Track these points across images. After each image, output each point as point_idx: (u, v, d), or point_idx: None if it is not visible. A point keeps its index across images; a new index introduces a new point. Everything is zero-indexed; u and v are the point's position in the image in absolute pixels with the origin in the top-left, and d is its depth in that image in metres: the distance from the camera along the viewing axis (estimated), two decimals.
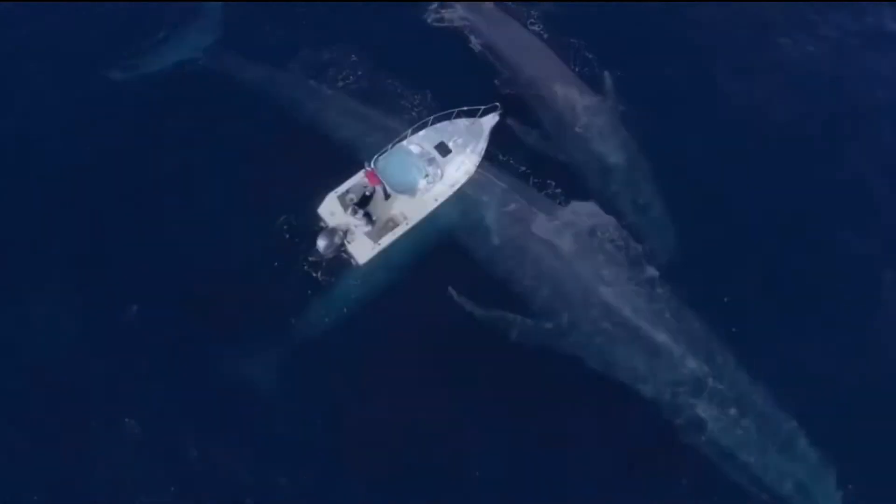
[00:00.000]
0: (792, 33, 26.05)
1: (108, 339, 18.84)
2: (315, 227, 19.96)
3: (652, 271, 20.07)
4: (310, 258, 19.63)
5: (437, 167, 20.16)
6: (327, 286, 19.47)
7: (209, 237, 20.14)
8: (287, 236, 20.02)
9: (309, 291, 19.36)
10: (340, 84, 22.73)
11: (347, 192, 20.44)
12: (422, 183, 19.62)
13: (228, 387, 18.29)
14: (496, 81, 22.90)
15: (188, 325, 18.93)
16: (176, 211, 20.64)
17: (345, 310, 19.20)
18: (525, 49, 23.88)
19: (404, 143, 20.11)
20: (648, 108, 23.02)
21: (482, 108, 20.72)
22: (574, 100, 22.65)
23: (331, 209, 20.14)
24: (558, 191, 21.27)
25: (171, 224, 20.45)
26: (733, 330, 19.47)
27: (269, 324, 19.02)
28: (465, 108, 20.71)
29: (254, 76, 22.74)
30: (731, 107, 23.87)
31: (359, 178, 20.48)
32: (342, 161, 20.73)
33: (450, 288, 19.50)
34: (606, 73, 23.54)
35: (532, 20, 24.82)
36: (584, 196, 21.21)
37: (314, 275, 19.52)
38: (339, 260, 19.79)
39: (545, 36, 24.44)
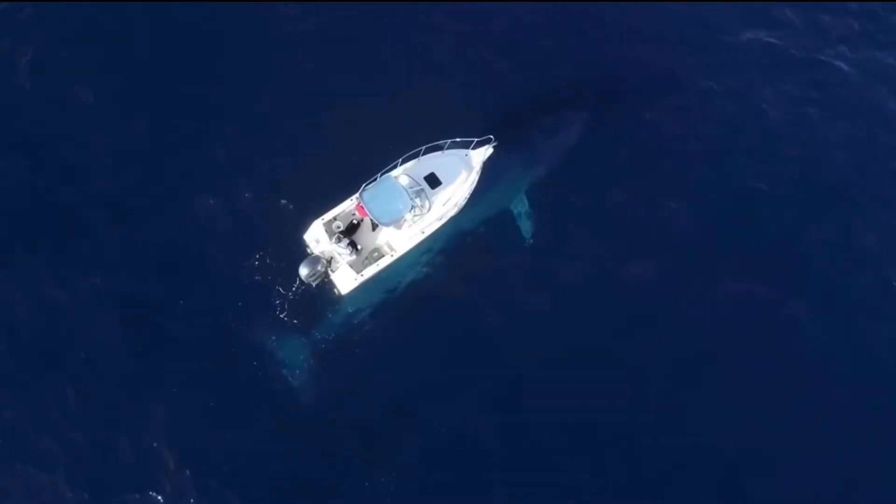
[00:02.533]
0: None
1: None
2: (300, 253, 19.77)
3: None
4: (287, 291, 19.57)
5: (425, 199, 19.75)
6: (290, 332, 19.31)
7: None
8: (268, 261, 19.96)
9: (274, 337, 19.18)
10: (331, 113, 22.35)
11: (334, 219, 20.18)
12: (407, 215, 19.23)
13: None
14: (491, 112, 22.35)
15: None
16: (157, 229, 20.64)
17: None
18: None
19: (392, 173, 19.73)
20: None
21: (475, 139, 20.24)
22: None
23: (316, 236, 19.88)
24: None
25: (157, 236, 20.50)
26: None
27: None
28: (458, 140, 20.25)
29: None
30: None
31: (347, 206, 20.21)
32: (333, 186, 20.52)
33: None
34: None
35: None
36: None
37: (280, 315, 19.40)
38: (307, 301, 19.64)
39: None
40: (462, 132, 20.31)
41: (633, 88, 24.01)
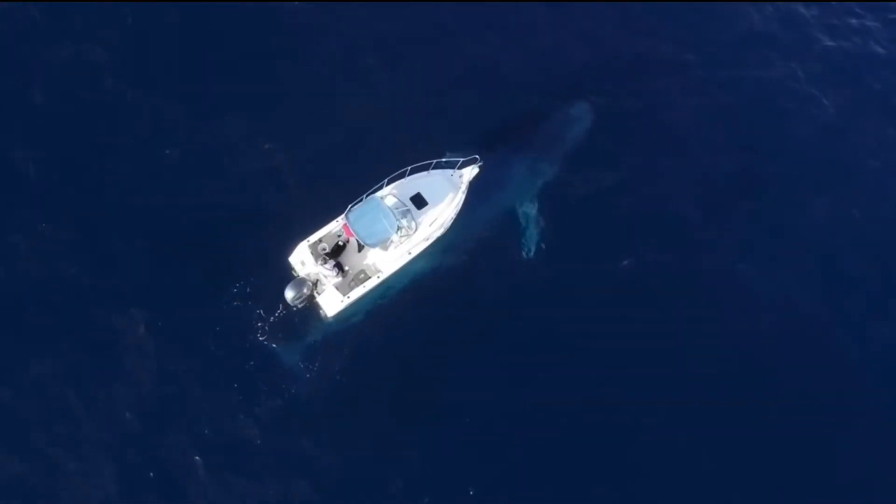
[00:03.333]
0: None
1: None
2: (285, 276, 19.53)
3: None
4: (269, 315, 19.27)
5: (411, 219, 19.61)
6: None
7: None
8: (248, 290, 19.59)
9: (252, 362, 18.84)
10: (319, 133, 22.16)
11: (320, 240, 19.98)
12: (394, 236, 19.06)
13: None
14: (478, 133, 22.36)
15: None
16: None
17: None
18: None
19: (378, 193, 19.59)
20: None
21: (461, 159, 20.17)
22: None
23: (301, 258, 19.65)
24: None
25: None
26: None
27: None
28: (444, 160, 20.18)
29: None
30: None
31: (332, 227, 20.02)
32: (318, 207, 20.34)
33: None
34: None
35: None
36: None
37: (261, 338, 19.08)
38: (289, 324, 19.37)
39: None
40: (449, 149, 20.35)
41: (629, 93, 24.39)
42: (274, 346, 19.01)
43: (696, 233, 22.14)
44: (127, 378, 18.56)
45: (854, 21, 27.32)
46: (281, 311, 19.29)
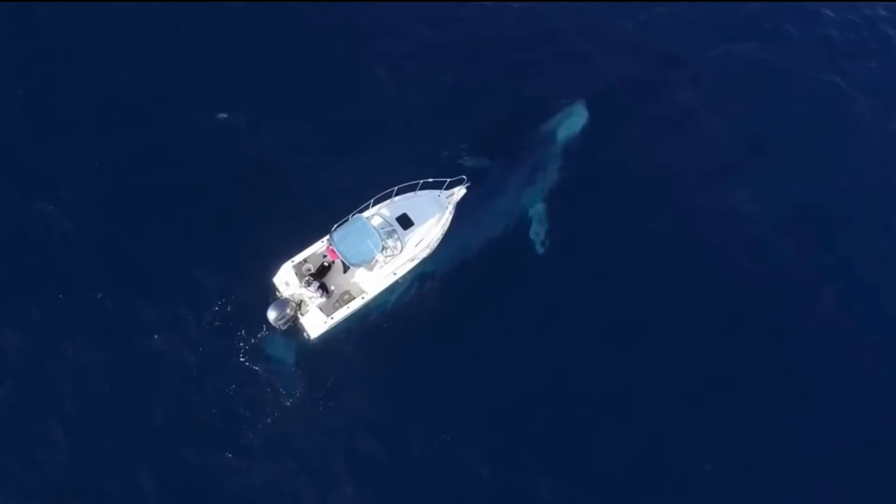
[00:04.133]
0: None
1: None
2: (270, 296, 19.29)
3: None
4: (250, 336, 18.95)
5: (396, 240, 19.39)
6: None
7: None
8: (229, 309, 19.32)
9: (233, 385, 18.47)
10: (304, 153, 22.04)
11: (304, 261, 19.74)
12: (379, 256, 18.82)
13: None
14: (465, 153, 22.28)
15: None
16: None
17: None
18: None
19: (364, 213, 19.40)
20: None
21: (448, 180, 20.03)
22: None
23: (286, 279, 19.38)
24: None
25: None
26: None
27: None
28: (431, 180, 20.03)
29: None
30: None
31: (318, 247, 19.78)
32: (303, 227, 20.12)
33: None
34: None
35: None
36: None
37: (242, 359, 18.71)
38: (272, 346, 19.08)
39: None
40: (435, 171, 20.09)
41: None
42: (256, 368, 18.66)
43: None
44: (107, 397, 18.18)
45: None
46: (264, 332, 19.00)
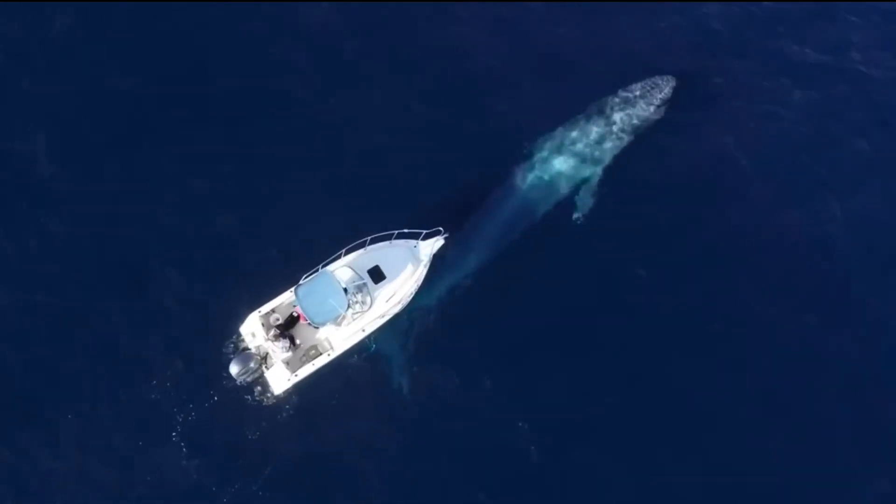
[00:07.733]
0: None
1: None
2: (234, 347, 18.61)
3: None
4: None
5: (366, 294, 18.42)
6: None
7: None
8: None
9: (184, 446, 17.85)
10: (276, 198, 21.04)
11: (273, 311, 18.93)
12: (346, 313, 17.87)
13: None
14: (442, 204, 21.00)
15: None
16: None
17: None
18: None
19: (334, 265, 18.42)
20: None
21: (424, 231, 18.88)
22: None
23: (252, 329, 18.63)
24: None
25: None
26: None
27: None
28: (406, 231, 18.91)
29: None
30: None
31: (286, 297, 18.93)
32: (273, 276, 19.27)
33: None
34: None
35: None
36: None
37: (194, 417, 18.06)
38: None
39: None
40: (409, 220, 19.00)
41: None
42: (213, 425, 18.03)
43: None
44: (59, 451, 17.87)
45: None
46: (226, 383, 18.33)
